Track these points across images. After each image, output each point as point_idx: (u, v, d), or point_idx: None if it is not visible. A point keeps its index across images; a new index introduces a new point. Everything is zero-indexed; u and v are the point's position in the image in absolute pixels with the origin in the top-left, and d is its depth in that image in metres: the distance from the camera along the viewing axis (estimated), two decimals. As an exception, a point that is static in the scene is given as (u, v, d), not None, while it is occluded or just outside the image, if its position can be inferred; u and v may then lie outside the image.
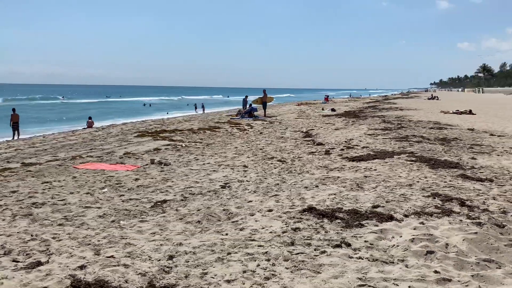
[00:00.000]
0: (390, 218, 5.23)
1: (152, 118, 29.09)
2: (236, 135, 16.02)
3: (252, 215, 5.70)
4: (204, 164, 9.99)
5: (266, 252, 4.30)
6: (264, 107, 25.61)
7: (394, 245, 4.37)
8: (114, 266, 4.11)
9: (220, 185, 7.65)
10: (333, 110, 31.26)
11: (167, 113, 42.03)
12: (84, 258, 4.38)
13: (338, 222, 5.18)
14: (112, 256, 4.38)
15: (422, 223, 5.03)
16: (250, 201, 6.44)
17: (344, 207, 5.86)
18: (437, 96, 57.75)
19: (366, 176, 7.86)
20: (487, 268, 3.79)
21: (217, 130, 17.82)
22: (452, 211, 5.50)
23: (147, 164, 10.02)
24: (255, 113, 24.93)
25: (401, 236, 4.59)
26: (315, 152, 11.19)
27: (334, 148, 11.65)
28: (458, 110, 26.38)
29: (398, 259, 4.03)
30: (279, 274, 3.79)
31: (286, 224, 5.21)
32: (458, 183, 7.17)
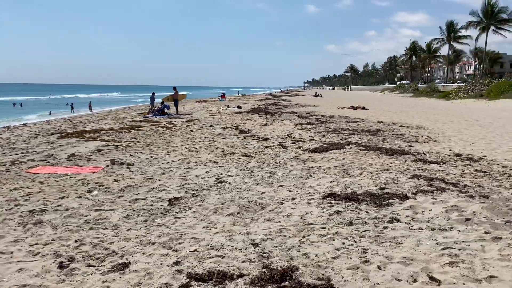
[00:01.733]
0: (406, 197, 6.13)
1: (39, 120, 26.51)
2: (167, 134, 15.85)
3: (282, 204, 6.12)
4: (169, 162, 9.95)
5: (336, 233, 4.82)
6: (176, 105, 25.42)
7: (433, 216, 5.24)
8: (211, 257, 4.25)
9: (214, 181, 7.84)
10: (239, 107, 32.18)
11: (50, 113, 38.67)
12: (166, 255, 4.42)
13: (367, 204, 5.91)
14: (195, 250, 4.48)
15: (434, 198, 6.02)
16: (263, 192, 6.83)
17: (355, 191, 6.62)
18: (320, 94, 62.79)
19: (343, 165, 8.75)
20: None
21: (141, 129, 17.37)
22: (444, 188, 6.62)
23: (108, 166, 9.62)
24: (167, 111, 24.62)
25: (431, 210, 5.49)
26: (270, 146, 11.82)
27: (284, 142, 12.42)
28: (352, 106, 29.39)
29: (448, 227, 4.90)
30: (369, 248, 4.36)
31: (323, 209, 5.77)
32: (422, 167, 8.47)
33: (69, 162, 10.18)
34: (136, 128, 17.48)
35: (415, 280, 3.61)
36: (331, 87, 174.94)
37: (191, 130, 17.02)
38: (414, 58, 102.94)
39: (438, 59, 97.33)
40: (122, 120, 21.45)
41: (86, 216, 5.89)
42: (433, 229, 4.82)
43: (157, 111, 24.16)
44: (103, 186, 7.67)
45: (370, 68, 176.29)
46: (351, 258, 4.11)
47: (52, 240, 4.96)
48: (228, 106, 33.38)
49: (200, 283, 3.69)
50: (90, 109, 42.42)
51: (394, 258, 4.05)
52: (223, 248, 4.50)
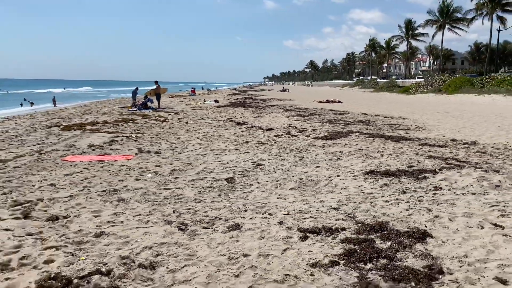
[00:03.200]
0: (435, 171, 7.24)
1: (17, 114, 25.94)
2: (165, 126, 16.35)
3: (331, 180, 7.07)
4: (193, 150, 10.61)
5: (397, 199, 5.83)
6: (158, 99, 25.74)
7: (467, 185, 6.36)
8: (306, 218, 5.13)
9: (251, 164, 8.65)
10: (216, 101, 32.78)
11: (21, 104, 37.64)
12: (266, 218, 5.23)
13: (406, 178, 6.97)
14: (288, 213, 5.34)
15: (459, 172, 7.17)
16: (306, 172, 7.74)
17: (388, 169, 7.67)
18: (287, 89, 64.23)
19: (360, 149, 9.81)
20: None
21: (136, 121, 17.76)
22: (461, 165, 7.80)
23: (136, 154, 10.19)
24: (150, 104, 24.96)
25: (463, 181, 6.61)
26: (278, 135, 12.72)
27: (290, 132, 13.36)
28: (328, 100, 30.78)
29: (484, 192, 6.02)
30: (432, 208, 5.39)
31: (371, 182, 6.77)
32: (431, 149, 9.68)
33: (93, 151, 10.61)
34: (131, 121, 17.83)
35: (483, 227, 4.66)
36: (291, 83, 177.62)
37: (186, 123, 17.58)
38: (373, 54, 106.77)
39: (396, 55, 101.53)
40: (109, 113, 21.60)
41: (160, 193, 6.56)
42: (473, 194, 5.92)
43: (141, 105, 24.41)
44: (149, 170, 8.28)
45: (329, 64, 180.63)
46: (423, 215, 5.10)
47: (150, 212, 5.63)
48: (204, 101, 33.88)
49: (315, 234, 4.56)
50: (54, 104, 41.35)
51: (457, 214, 5.09)
52: (309, 212, 5.37)
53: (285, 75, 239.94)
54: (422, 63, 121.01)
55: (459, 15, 64.40)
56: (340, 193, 6.25)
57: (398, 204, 5.56)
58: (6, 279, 3.76)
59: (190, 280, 3.68)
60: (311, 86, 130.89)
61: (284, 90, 61.60)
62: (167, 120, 18.65)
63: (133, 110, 23.44)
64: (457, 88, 46.95)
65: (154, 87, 26.25)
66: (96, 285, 3.62)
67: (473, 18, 58.82)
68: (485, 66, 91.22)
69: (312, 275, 3.64)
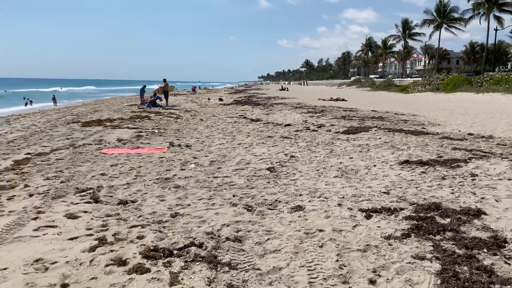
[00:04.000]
0: (465, 161, 7.73)
1: (28, 112, 26.17)
2: (180, 122, 16.71)
3: (370, 169, 7.53)
4: (221, 144, 11.01)
5: (439, 184, 6.30)
6: (166, 97, 26.09)
7: (501, 172, 6.86)
8: (362, 201, 5.58)
9: (285, 156, 9.10)
10: (220, 99, 33.16)
11: (26, 104, 37.85)
12: (323, 201, 5.68)
13: (440, 166, 7.45)
14: (343, 197, 5.79)
15: (488, 161, 7.67)
16: (341, 162, 8.20)
17: (420, 159, 8.15)
18: (287, 88, 64.75)
19: (386, 142, 10.29)
20: None
21: (151, 118, 18.11)
22: (487, 156, 8.30)
23: (168, 147, 10.58)
24: (159, 102, 25.31)
25: (495, 168, 7.11)
26: (299, 130, 13.18)
27: (309, 127, 13.82)
28: (332, 98, 31.29)
29: (520, 177, 6.52)
30: (475, 191, 5.87)
31: (409, 171, 7.24)
32: (453, 142, 10.18)
33: (124, 145, 10.99)
34: (146, 118, 18.19)
35: (530, 207, 5.14)
36: (286, 82, 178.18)
37: (201, 119, 17.97)
38: (370, 53, 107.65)
39: (392, 55, 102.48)
40: (121, 111, 21.93)
41: (211, 181, 6.98)
42: (509, 179, 6.42)
43: (150, 103, 24.75)
44: (189, 161, 8.70)
45: (324, 64, 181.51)
46: (469, 197, 5.58)
47: (211, 197, 6.06)
48: (209, 99, 34.25)
49: (377, 213, 5.02)
50: (55, 103, 41.46)
51: (501, 196, 5.57)
52: (362, 196, 5.83)
53: (280, 75, 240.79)
54: (417, 63, 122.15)
55: (456, 15, 65.26)
56: (384, 180, 6.71)
57: (441, 188, 6.03)
58: (111, 250, 4.18)
59: (280, 250, 4.11)
60: (307, 85, 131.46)
61: (283, 89, 62.14)
62: (180, 117, 19.03)
63: (143, 108, 23.78)
64: (455, 87, 47.69)
65: (162, 85, 26.56)
66: (196, 254, 4.04)
67: (471, 17, 59.71)
68: (481, 65, 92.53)
69: (390, 245, 4.09)
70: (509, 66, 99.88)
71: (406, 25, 78.07)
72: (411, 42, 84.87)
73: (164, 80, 26.51)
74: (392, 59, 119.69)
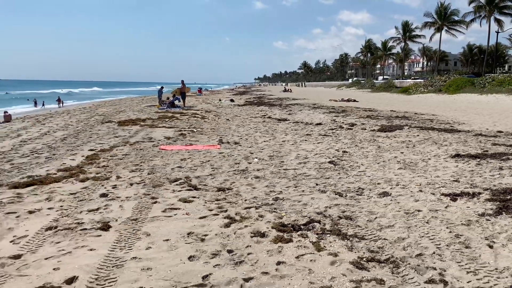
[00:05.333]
0: (512, 154, 8.49)
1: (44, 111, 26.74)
2: (209, 122, 17.35)
3: (426, 162, 8.26)
4: (266, 141, 11.68)
5: (500, 173, 7.05)
6: (184, 98, 26.72)
7: (550, 163, 7.62)
8: (438, 188, 6.31)
9: (336, 151, 9.82)
10: (232, 100, 33.83)
11: (38, 103, 38.53)
12: (403, 188, 6.40)
13: (491, 159, 8.20)
14: (420, 184, 6.53)
15: (533, 154, 8.43)
16: (396, 156, 8.93)
17: (468, 153, 8.90)
18: (290, 89, 65.54)
19: (426, 139, 11.04)
20: None
21: (178, 118, 18.73)
22: (528, 150, 9.07)
23: (219, 144, 11.26)
24: (178, 103, 25.95)
25: (543, 160, 7.87)
26: (333, 129, 13.91)
27: (342, 126, 14.55)
28: (343, 98, 32.09)
29: None
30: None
31: (463, 163, 7.97)
32: (489, 138, 10.94)
33: (174, 142, 11.64)
34: (174, 118, 18.83)
35: None
36: (283, 83, 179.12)
37: (227, 119, 18.63)
38: (369, 55, 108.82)
39: (391, 56, 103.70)
40: (143, 111, 22.55)
41: (285, 172, 7.68)
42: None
43: (169, 104, 25.38)
44: (248, 156, 9.38)
45: (321, 65, 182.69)
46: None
47: (295, 184, 6.76)
48: (220, 100, 34.88)
49: (460, 197, 5.74)
50: (60, 104, 41.93)
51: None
52: (436, 183, 6.55)
53: (277, 76, 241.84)
54: (415, 64, 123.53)
55: (456, 18, 66.48)
56: (446, 171, 7.44)
57: (504, 177, 6.77)
58: (245, 226, 4.87)
59: (393, 225, 4.82)
60: (305, 87, 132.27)
61: (286, 91, 62.91)
62: (205, 117, 19.67)
63: (163, 108, 24.39)
64: (458, 88, 48.68)
65: (179, 86, 27.20)
66: (322, 229, 4.74)
67: (472, 20, 60.89)
68: (478, 67, 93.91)
69: (488, 220, 4.82)
70: (506, 68, 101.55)
71: (406, 27, 79.24)
72: (410, 44, 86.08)
73: (182, 82, 27.14)
74: (390, 61, 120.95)
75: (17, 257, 4.05)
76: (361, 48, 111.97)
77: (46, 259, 4.00)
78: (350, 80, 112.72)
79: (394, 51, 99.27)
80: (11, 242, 4.43)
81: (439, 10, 66.45)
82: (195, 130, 14.29)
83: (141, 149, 10.26)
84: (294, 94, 51.41)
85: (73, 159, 8.98)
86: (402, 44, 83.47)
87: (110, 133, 13.48)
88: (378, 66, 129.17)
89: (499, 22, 58.92)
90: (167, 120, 17.84)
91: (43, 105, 39.50)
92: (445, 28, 67.33)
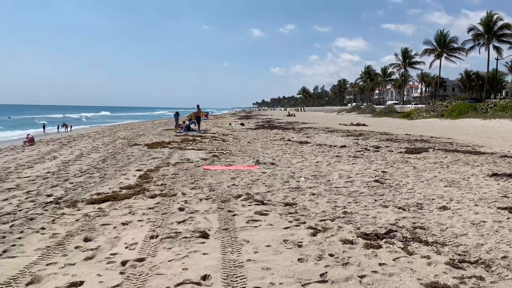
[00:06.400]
0: (546, 173, 9.08)
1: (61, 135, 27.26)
2: (232, 144, 17.90)
3: (467, 180, 8.83)
4: (300, 162, 12.24)
5: (542, 190, 7.61)
6: (199, 122, 27.37)
7: None
8: (493, 202, 6.86)
9: (374, 170, 10.37)
10: (242, 124, 34.53)
11: (58, 127, 39.43)
12: (458, 203, 6.94)
13: (527, 177, 8.78)
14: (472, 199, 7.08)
15: None
16: (436, 176, 9.49)
17: (504, 172, 9.48)
18: (294, 114, 66.60)
19: (456, 160, 11.63)
20: None
21: (201, 141, 19.29)
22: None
23: (257, 164, 11.79)
24: (194, 127, 26.59)
25: None
26: (360, 151, 14.50)
27: (368, 149, 15.14)
28: (353, 123, 32.85)
29: None
30: None
31: (504, 181, 8.54)
32: (515, 160, 11.55)
33: (212, 163, 12.16)
34: (198, 141, 19.40)
35: None
36: (282, 108, 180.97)
37: (249, 142, 19.21)
38: (369, 81, 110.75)
39: (391, 82, 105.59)
40: (163, 134, 23.12)
41: (337, 190, 8.20)
42: None
43: (186, 127, 26.01)
44: (291, 176, 9.91)
45: (319, 91, 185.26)
46: None
47: (354, 200, 7.28)
48: (230, 124, 35.56)
49: (516, 210, 6.28)
50: (68, 129, 42.51)
51: None
52: (486, 198, 7.10)
53: (275, 101, 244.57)
54: (414, 90, 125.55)
55: (455, 45, 68.34)
56: (490, 188, 7.99)
57: (548, 193, 7.34)
58: (332, 235, 5.37)
59: (466, 233, 5.34)
60: (304, 111, 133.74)
61: (290, 115, 63.88)
62: (225, 140, 20.25)
63: (181, 132, 24.98)
64: (461, 113, 49.73)
65: (195, 110, 27.89)
66: (404, 237, 5.25)
67: (471, 47, 62.60)
68: (475, 92, 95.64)
69: (552, 228, 5.35)
70: (503, 94, 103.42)
71: (406, 54, 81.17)
72: (409, 70, 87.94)
73: (198, 106, 27.85)
74: (389, 86, 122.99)
75: (142, 260, 4.53)
76: (360, 74, 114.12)
77: (169, 261, 4.48)
78: (349, 105, 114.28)
79: (393, 77, 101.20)
80: (126, 248, 4.90)
81: (438, 38, 68.32)
82: (225, 152, 14.82)
83: (186, 169, 10.76)
84: (299, 118, 52.30)
85: (127, 178, 9.47)
86: (402, 70, 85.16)
87: (145, 155, 13.98)
88: (377, 91, 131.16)
89: (498, 50, 60.66)
90: (191, 143, 18.37)
91: (66, 128, 40.29)
92: (445, 54, 69.03)
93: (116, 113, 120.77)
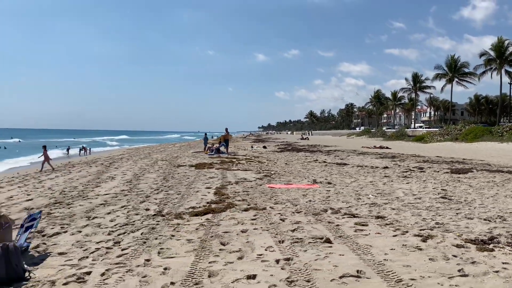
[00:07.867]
0: None
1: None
2: (272, 166, 18.57)
3: (492, 198, 9.48)
4: (355, 181, 12.90)
5: None
6: (227, 144, 28.17)
7: None
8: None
9: (433, 189, 11.03)
10: (264, 147, 35.29)
11: (80, 150, 40.37)
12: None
13: None
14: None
15: None
16: (497, 193, 10.14)
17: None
18: (307, 137, 67.46)
19: (507, 179, 12.29)
20: None
21: (239, 163, 19.98)
22: None
23: (315, 183, 12.46)
24: (222, 149, 27.36)
25: None
26: (404, 172, 15.18)
27: (412, 170, 15.82)
28: (375, 146, 33.57)
29: None
30: None
31: None
32: None
33: (269, 182, 12.83)
34: (235, 163, 20.13)
35: None
36: (289, 132, 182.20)
37: (286, 163, 19.91)
38: (378, 105, 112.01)
39: (401, 106, 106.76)
40: (196, 157, 23.87)
41: (413, 205, 8.85)
42: None
43: (216, 150, 26.80)
44: (354, 193, 10.56)
45: (326, 114, 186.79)
46: None
47: (438, 214, 7.94)
48: (252, 147, 36.31)
49: None
50: (87, 153, 43.47)
51: None
52: (561, 212, 7.76)
53: (281, 125, 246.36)
54: (422, 114, 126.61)
55: (466, 70, 69.64)
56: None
57: None
58: (440, 241, 6.03)
59: None
60: (312, 135, 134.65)
61: (303, 139, 64.78)
62: (261, 161, 20.94)
63: (212, 154, 25.74)
64: (476, 136, 50.36)
65: (224, 133, 28.74)
66: (508, 242, 5.91)
67: (483, 72, 63.79)
68: (486, 116, 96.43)
69: None
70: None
71: (416, 79, 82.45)
72: (420, 95, 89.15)
73: (226, 130, 28.70)
74: (397, 110, 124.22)
75: (289, 259, 5.19)
76: (370, 98, 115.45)
77: (315, 260, 5.13)
78: (357, 129, 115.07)
79: (402, 101, 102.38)
80: (266, 250, 5.57)
81: (449, 63, 69.64)
82: (273, 173, 15.51)
83: (251, 187, 11.45)
84: (313, 141, 53.03)
85: (204, 195, 10.18)
86: (412, 94, 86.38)
87: (199, 175, 14.71)
88: (385, 115, 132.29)
89: (510, 74, 61.71)
90: (230, 164, 19.08)
91: (85, 152, 41.38)
92: (456, 79, 70.21)
93: (135, 137, 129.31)
